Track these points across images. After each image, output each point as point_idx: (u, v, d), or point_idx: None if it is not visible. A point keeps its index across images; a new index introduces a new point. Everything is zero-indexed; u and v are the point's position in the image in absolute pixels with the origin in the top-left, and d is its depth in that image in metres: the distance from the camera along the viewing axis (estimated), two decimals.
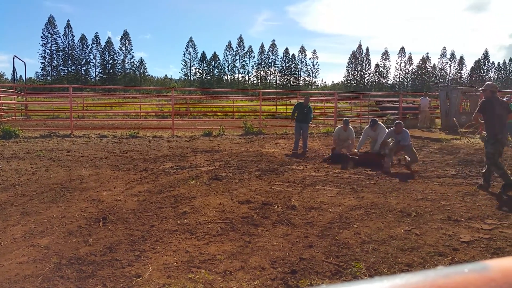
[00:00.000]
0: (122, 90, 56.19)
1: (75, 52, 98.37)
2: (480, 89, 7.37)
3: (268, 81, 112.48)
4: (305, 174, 7.92)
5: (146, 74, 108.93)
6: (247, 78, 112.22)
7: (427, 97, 20.12)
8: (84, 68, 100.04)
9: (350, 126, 10.57)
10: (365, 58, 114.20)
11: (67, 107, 22.12)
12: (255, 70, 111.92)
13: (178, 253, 3.87)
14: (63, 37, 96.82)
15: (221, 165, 8.81)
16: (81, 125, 18.17)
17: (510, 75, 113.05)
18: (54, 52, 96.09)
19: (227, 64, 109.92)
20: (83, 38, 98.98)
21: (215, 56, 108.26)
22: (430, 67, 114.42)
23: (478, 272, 0.33)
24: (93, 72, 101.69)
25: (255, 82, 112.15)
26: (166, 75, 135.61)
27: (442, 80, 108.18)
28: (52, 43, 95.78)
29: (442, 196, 6.25)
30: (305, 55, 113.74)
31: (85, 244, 4.10)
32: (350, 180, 7.44)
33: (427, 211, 5.36)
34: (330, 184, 7.05)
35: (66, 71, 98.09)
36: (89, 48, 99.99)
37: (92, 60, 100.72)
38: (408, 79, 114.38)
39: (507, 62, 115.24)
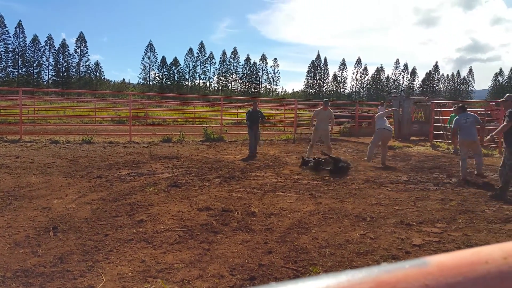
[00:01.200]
0: (77, 94, 54.36)
1: (27, 54, 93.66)
2: (501, 100, 7.65)
3: (230, 87, 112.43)
4: (266, 181, 7.97)
5: (103, 77, 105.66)
6: (208, 84, 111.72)
7: (384, 106, 20.84)
8: (36, 70, 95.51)
9: (329, 108, 11.21)
10: (323, 68, 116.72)
11: (16, 110, 21.09)
12: (216, 76, 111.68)
13: (134, 263, 3.76)
14: (14, 37, 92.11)
15: (180, 171, 8.69)
16: (31, 130, 17.39)
17: (458, 86, 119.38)
18: (3, 53, 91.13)
19: (188, 70, 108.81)
20: (35, 39, 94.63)
21: (175, 61, 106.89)
22: (384, 78, 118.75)
23: (417, 267, 0.36)
24: (46, 75, 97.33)
25: (216, 88, 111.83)
26: (123, 79, 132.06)
27: (395, 91, 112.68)
28: (1, 43, 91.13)
29: (395, 201, 6.48)
30: (266, 63, 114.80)
31: (33, 255, 3.90)
32: (309, 186, 7.57)
33: (381, 216, 5.54)
34: (290, 190, 7.14)
35: (16, 73, 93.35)
36: (42, 50, 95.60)
37: (45, 62, 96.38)
38: (364, 89, 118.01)
39: (455, 74, 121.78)
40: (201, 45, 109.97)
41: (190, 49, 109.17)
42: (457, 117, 9.05)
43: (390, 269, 0.34)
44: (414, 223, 5.22)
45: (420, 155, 12.71)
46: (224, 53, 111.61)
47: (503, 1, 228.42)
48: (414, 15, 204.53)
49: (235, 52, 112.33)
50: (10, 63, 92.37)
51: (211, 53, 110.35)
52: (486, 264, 0.37)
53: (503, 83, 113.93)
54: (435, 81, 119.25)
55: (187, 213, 5.48)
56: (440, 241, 4.55)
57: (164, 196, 6.46)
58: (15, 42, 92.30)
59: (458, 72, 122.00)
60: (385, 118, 10.96)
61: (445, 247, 4.36)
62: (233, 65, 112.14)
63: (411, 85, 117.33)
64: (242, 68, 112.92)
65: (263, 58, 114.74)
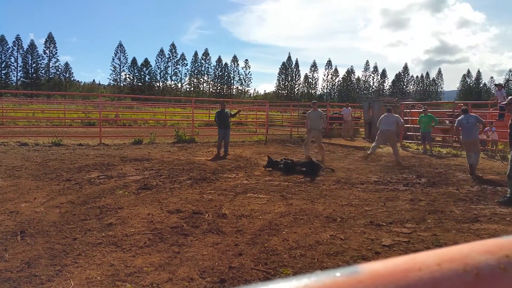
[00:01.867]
0: (46, 96, 52.67)
1: None
2: (504, 103, 7.97)
3: (201, 89, 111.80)
4: (237, 182, 7.96)
5: (72, 79, 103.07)
6: (179, 85, 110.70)
7: (349, 107, 21.16)
8: (4, 71, 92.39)
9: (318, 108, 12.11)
10: (295, 69, 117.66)
11: None
12: (188, 77, 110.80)
13: (102, 267, 3.69)
14: None
15: (151, 174, 8.58)
16: None
17: (427, 87, 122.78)
18: None
19: (159, 71, 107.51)
20: (2, 40, 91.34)
21: (146, 62, 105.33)
22: (354, 80, 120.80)
23: (348, 276, 0.37)
24: (14, 76, 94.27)
25: (188, 89, 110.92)
26: (93, 80, 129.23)
27: (365, 92, 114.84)
28: None
29: (365, 201, 6.60)
30: (238, 64, 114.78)
31: (0, 260, 3.78)
32: (280, 187, 7.61)
33: (351, 216, 5.63)
34: (261, 191, 7.16)
35: None
36: (9, 51, 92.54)
37: (13, 63, 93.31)
38: (335, 90, 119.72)
39: (424, 76, 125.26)
40: (173, 46, 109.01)
41: (161, 50, 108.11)
42: (460, 117, 9.99)
43: (320, 278, 0.35)
44: (384, 224, 5.33)
45: (390, 156, 12.99)
46: (195, 54, 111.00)
47: (469, 4, 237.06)
48: (382, 17, 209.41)
49: (206, 53, 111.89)
50: None
51: (182, 54, 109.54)
52: (419, 271, 0.38)
53: (471, 84, 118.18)
54: (405, 83, 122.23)
55: (157, 215, 5.41)
56: (409, 241, 4.66)
57: (134, 198, 6.36)
58: None
59: (427, 74, 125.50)
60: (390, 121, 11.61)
61: (414, 247, 4.46)
62: (205, 66, 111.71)
63: (381, 86, 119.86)
64: (214, 70, 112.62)
65: (235, 59, 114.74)
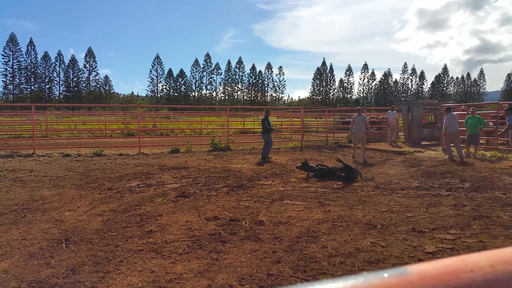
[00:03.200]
0: (87, 108, 54.88)
1: (38, 70, 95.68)
2: None
3: (236, 97, 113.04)
4: (273, 189, 7.94)
5: (112, 91, 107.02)
6: (214, 94, 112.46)
7: (394, 111, 19.41)
8: (47, 86, 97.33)
9: (362, 113, 13.25)
10: (329, 74, 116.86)
11: (29, 126, 21.41)
12: (222, 86, 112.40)
13: (143, 273, 3.77)
14: (26, 55, 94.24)
15: (188, 182, 8.71)
16: (44, 144, 17.57)
17: (469, 88, 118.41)
18: (16, 70, 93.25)
19: (194, 81, 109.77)
20: (46, 56, 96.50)
21: (182, 73, 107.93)
22: (392, 83, 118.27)
23: (397, 277, 0.35)
24: (57, 90, 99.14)
25: (222, 98, 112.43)
26: (132, 92, 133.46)
27: (404, 95, 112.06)
28: (14, 61, 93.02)
29: (407, 207, 6.40)
30: (272, 71, 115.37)
31: (46, 267, 3.94)
32: (317, 194, 7.52)
33: (392, 223, 5.47)
34: (298, 198, 7.10)
35: (29, 89, 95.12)
36: (52, 66, 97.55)
37: (55, 78, 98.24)
38: (372, 94, 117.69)
39: (465, 76, 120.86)
40: (207, 56, 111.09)
41: (196, 61, 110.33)
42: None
43: (368, 279, 0.34)
44: (427, 230, 5.14)
45: (431, 160, 12.57)
46: (229, 63, 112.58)
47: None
48: (419, 18, 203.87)
49: (240, 62, 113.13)
50: (23, 80, 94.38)
51: (217, 64, 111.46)
52: (471, 272, 0.36)
53: None
54: (445, 84, 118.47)
55: (195, 223, 5.48)
56: (454, 248, 4.47)
57: (173, 206, 6.47)
58: (27, 60, 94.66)
59: (468, 74, 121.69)
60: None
61: (459, 254, 4.28)
62: (239, 74, 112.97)
63: (420, 89, 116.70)
64: (248, 77, 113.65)
65: (268, 66, 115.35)
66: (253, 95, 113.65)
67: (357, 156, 13.35)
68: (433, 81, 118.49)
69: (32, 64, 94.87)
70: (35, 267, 3.94)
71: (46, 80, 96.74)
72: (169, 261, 4.08)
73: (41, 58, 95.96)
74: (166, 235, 4.93)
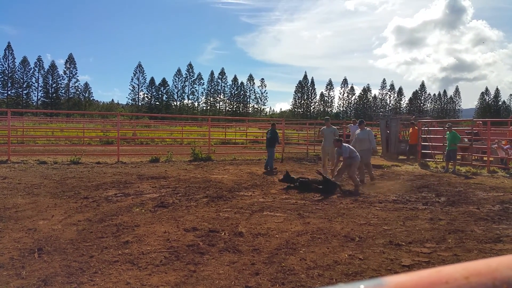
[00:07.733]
0: (65, 115, 53.91)
1: (16, 75, 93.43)
2: None
3: (218, 107, 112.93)
4: (253, 200, 7.92)
5: (91, 98, 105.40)
6: (196, 104, 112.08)
7: (356, 124, 19.25)
8: (25, 91, 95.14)
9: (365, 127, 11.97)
10: (310, 88, 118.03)
11: (4, 131, 20.85)
12: (204, 96, 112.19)
13: (118, 285, 3.68)
14: (3, 59, 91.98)
15: (167, 191, 8.61)
16: (19, 151, 17.15)
17: (445, 105, 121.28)
18: None
19: (176, 90, 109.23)
20: (25, 61, 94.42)
21: (164, 81, 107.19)
22: (371, 98, 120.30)
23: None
24: (35, 96, 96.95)
25: (204, 108, 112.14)
26: (112, 99, 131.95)
27: (382, 110, 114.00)
28: None
29: (384, 220, 6.47)
30: (254, 83, 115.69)
31: (17, 277, 3.80)
32: (297, 205, 7.54)
33: (370, 236, 5.52)
34: (278, 210, 7.10)
35: (6, 94, 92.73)
36: (31, 71, 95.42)
37: (34, 83, 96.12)
38: (351, 109, 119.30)
39: (441, 93, 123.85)
40: (190, 66, 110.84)
41: (179, 70, 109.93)
42: None
43: None
44: (403, 243, 5.20)
45: (408, 174, 12.79)
46: (212, 73, 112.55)
47: (486, 22, 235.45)
48: (396, 36, 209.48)
49: (222, 73, 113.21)
50: (0, 84, 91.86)
51: (199, 74, 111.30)
52: (446, 284, 0.36)
53: (489, 101, 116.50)
54: (422, 100, 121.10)
55: (174, 233, 5.40)
56: (429, 261, 4.53)
57: (151, 216, 6.37)
58: (4, 64, 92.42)
59: (445, 91, 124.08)
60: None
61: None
62: (221, 85, 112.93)
63: (398, 104, 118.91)
64: (230, 88, 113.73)
65: (250, 78, 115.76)
66: (235, 106, 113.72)
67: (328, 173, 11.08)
68: (410, 97, 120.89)
69: (9, 69, 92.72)
70: (4, 278, 3.79)
71: (24, 86, 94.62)
72: (145, 273, 4.00)
73: (19, 63, 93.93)
74: (143, 246, 4.84)
